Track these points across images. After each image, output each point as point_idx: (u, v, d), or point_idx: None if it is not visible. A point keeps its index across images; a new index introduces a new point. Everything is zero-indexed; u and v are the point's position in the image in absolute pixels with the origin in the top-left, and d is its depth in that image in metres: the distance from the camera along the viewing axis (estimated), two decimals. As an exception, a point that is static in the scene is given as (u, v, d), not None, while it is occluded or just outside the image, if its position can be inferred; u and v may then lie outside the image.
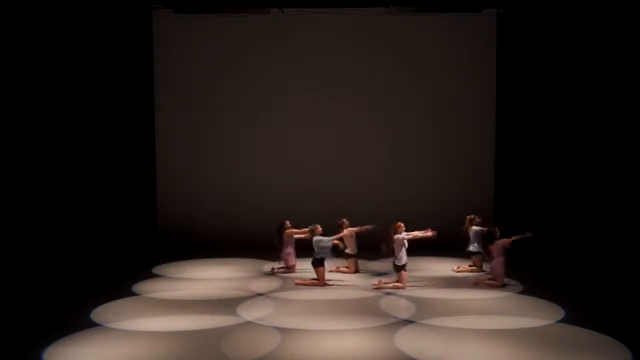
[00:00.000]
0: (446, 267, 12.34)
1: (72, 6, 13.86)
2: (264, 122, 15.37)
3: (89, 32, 14.24)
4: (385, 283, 10.77)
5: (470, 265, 12.13)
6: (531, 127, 14.89)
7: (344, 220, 11.86)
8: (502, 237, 10.79)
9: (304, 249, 11.70)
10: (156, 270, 12.31)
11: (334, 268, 11.88)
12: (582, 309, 9.31)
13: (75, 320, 8.75)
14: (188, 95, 15.39)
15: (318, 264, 10.93)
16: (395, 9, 14.95)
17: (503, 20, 15.20)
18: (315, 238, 10.97)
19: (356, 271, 11.94)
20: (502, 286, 10.68)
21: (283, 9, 14.91)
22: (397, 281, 10.72)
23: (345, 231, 11.62)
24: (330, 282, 11.07)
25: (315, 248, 10.92)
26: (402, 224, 10.82)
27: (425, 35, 15.34)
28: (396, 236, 10.68)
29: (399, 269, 10.67)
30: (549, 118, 14.54)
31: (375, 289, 10.61)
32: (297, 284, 11.01)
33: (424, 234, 10.92)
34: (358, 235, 11.79)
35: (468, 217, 12.30)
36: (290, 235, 11.86)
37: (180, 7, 14.98)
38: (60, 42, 13.78)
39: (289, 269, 11.88)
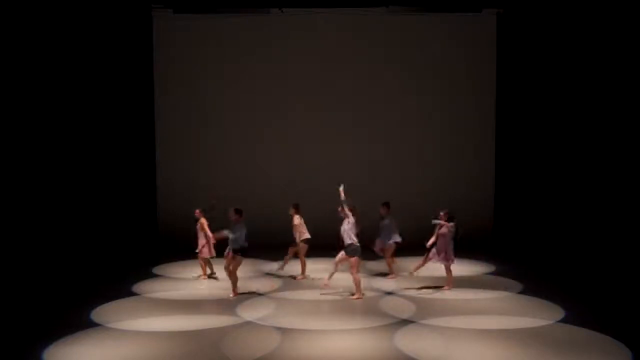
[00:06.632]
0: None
1: (72, 7, 13.86)
2: (264, 122, 15.39)
3: (89, 32, 14.26)
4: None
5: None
6: (531, 127, 14.90)
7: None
8: None
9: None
10: (156, 270, 12.33)
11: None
12: (582, 309, 9.32)
13: (76, 320, 8.75)
14: (188, 95, 15.40)
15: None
16: (395, 9, 14.97)
17: (503, 20, 15.21)
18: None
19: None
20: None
21: (283, 9, 14.91)
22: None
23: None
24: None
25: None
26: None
27: (425, 35, 15.35)
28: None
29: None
30: (549, 118, 14.54)
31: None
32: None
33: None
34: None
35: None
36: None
37: (180, 7, 15.01)
38: (61, 43, 13.79)
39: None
